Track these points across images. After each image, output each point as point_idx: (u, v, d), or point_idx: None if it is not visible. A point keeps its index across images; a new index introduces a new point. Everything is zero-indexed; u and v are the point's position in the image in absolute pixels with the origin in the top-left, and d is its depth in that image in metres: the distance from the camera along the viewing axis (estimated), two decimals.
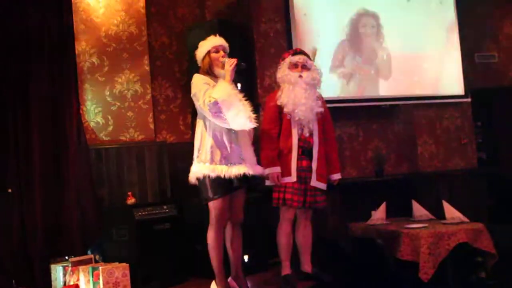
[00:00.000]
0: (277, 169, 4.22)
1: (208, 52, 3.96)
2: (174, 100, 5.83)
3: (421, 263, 4.39)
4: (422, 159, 6.61)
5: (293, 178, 4.27)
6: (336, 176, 4.53)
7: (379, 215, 5.26)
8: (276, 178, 4.22)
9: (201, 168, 3.77)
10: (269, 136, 4.27)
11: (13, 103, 4.95)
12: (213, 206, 3.80)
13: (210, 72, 3.94)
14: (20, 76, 4.98)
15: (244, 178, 3.79)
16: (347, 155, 6.32)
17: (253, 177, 3.88)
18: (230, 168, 3.75)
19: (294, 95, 4.27)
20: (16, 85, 4.97)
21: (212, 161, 3.76)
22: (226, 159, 3.76)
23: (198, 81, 3.84)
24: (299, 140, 4.31)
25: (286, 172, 4.27)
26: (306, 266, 4.42)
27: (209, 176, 3.74)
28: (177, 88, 5.85)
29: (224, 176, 3.73)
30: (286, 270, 4.28)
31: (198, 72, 3.97)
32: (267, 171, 4.19)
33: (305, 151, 4.33)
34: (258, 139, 4.41)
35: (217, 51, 3.95)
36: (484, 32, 7.14)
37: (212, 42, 3.99)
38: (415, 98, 6.55)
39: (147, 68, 5.62)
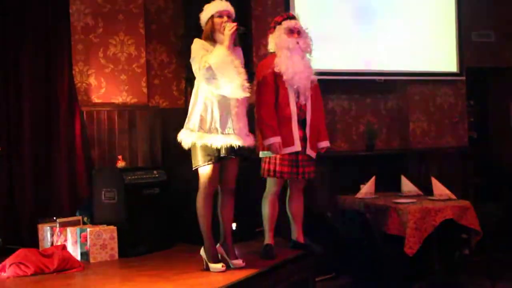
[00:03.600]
0: (278, 139, 4.12)
1: (212, 17, 3.83)
2: (168, 65, 5.77)
3: (407, 237, 4.44)
4: (413, 135, 6.64)
5: (296, 147, 4.18)
6: (325, 144, 4.41)
7: (368, 189, 5.30)
8: (278, 148, 4.12)
9: (187, 135, 3.76)
10: (267, 105, 4.14)
11: (4, 60, 4.90)
12: (202, 173, 3.80)
13: (211, 38, 3.83)
14: (12, 35, 4.92)
15: (233, 148, 3.78)
16: (339, 128, 6.33)
17: (242, 148, 3.80)
18: (217, 137, 3.71)
19: (293, 62, 4.15)
20: (7, 43, 4.90)
21: (200, 128, 3.73)
22: (215, 128, 3.74)
23: (197, 46, 3.77)
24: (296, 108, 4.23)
25: (288, 142, 4.17)
26: (298, 236, 4.43)
27: (196, 144, 3.73)
28: (172, 53, 5.78)
29: (211, 145, 3.71)
30: (268, 240, 4.30)
31: (195, 37, 3.90)
32: (268, 141, 4.09)
33: (299, 121, 4.24)
34: (252, 108, 4.36)
35: (221, 16, 3.81)
36: (482, 10, 7.09)
37: (216, 6, 3.85)
38: (410, 74, 6.54)
39: (142, 31, 5.54)
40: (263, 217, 4.34)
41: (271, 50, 4.33)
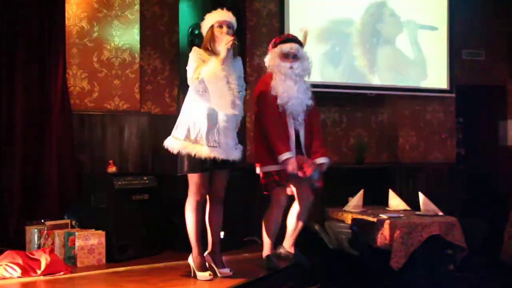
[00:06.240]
0: (292, 154, 4.07)
1: (212, 26, 3.80)
2: (162, 71, 5.78)
3: (393, 252, 4.48)
4: (402, 150, 6.70)
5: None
6: (323, 160, 4.25)
7: (356, 202, 5.34)
8: (294, 164, 4.04)
9: (173, 144, 3.77)
10: (276, 123, 4.09)
11: None
12: (190, 180, 3.81)
13: (210, 47, 3.81)
14: (7, 35, 4.91)
15: (221, 160, 3.75)
16: (330, 141, 6.37)
17: (227, 162, 3.80)
18: (202, 148, 3.71)
19: (287, 87, 4.09)
20: (1, 45, 4.90)
21: (186, 137, 3.74)
22: (201, 139, 3.73)
23: (193, 56, 3.75)
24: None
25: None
26: (289, 246, 4.43)
27: (181, 152, 3.75)
28: (166, 59, 5.79)
29: (195, 155, 3.71)
30: (269, 250, 4.25)
31: (189, 45, 3.92)
32: (283, 156, 4.01)
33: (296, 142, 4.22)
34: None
35: (220, 26, 3.78)
36: (473, 29, 7.19)
37: (215, 16, 3.82)
38: (401, 89, 6.60)
39: (137, 37, 5.57)
40: (266, 228, 4.26)
41: (269, 70, 4.26)
